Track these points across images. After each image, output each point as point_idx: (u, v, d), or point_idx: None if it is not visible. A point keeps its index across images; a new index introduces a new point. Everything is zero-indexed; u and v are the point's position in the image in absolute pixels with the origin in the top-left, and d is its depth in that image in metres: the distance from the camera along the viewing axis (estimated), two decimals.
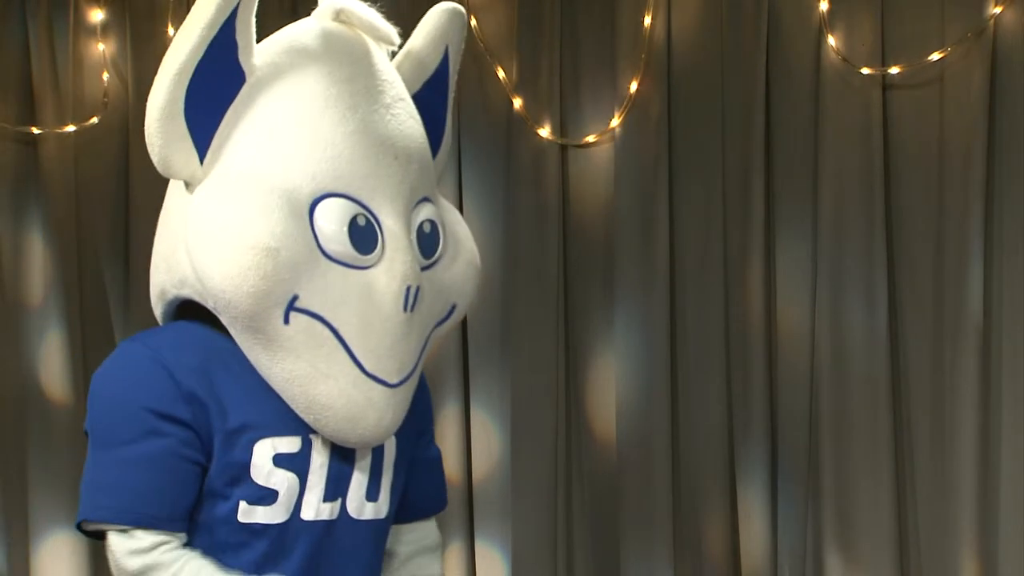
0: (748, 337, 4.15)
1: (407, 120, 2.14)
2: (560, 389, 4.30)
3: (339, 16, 2.15)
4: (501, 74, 4.27)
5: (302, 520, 2.13)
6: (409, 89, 2.21)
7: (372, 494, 2.19)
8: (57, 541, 4.43)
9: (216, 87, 2.05)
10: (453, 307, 2.21)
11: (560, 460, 4.29)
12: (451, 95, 2.31)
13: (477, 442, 4.33)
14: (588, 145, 4.27)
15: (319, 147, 2.06)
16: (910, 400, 4.08)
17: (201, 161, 2.06)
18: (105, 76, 4.41)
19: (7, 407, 4.47)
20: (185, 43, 2.02)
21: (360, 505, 2.18)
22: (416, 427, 2.27)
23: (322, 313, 2.05)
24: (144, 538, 2.09)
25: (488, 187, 4.32)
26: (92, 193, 4.46)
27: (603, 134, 4.25)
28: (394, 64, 2.21)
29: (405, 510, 2.32)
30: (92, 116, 4.41)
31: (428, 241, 2.14)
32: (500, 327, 4.31)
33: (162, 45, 4.36)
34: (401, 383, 2.11)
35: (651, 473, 4.22)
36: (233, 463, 2.09)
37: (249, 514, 2.11)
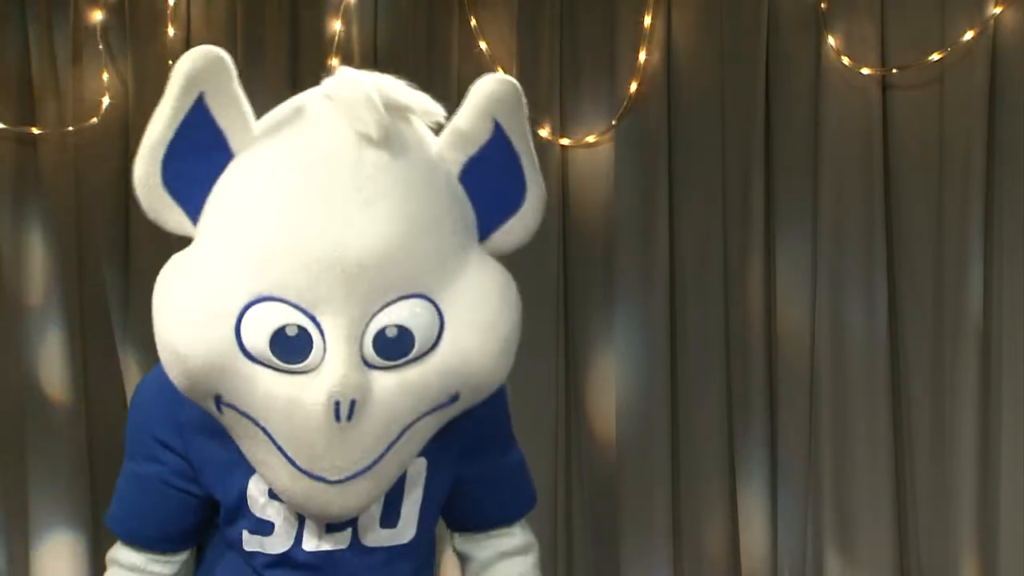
0: (748, 337, 4.15)
1: (380, 222, 1.97)
2: (560, 389, 4.30)
3: (330, 97, 2.02)
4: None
5: (304, 551, 2.14)
6: (455, 162, 2.08)
7: (389, 520, 2.17)
8: (57, 541, 4.43)
9: (199, 162, 2.00)
10: (456, 395, 2.08)
11: (560, 460, 4.30)
12: (525, 164, 2.13)
13: None
14: (588, 145, 4.27)
15: (263, 247, 1.96)
16: (910, 400, 4.08)
17: (194, 224, 2.04)
18: (105, 76, 4.41)
19: (7, 407, 4.47)
20: (156, 122, 1.99)
21: (374, 533, 2.17)
22: (462, 444, 2.20)
23: (248, 412, 2.00)
24: (128, 555, 2.20)
25: None
26: (92, 193, 4.46)
27: (603, 134, 4.25)
28: (442, 136, 2.08)
29: (476, 521, 2.31)
30: (92, 116, 4.41)
31: (392, 344, 2.00)
32: None
33: (162, 45, 4.37)
34: (350, 478, 2.03)
35: (651, 473, 4.22)
36: (231, 493, 2.12)
37: (252, 543, 2.15)
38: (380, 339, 1.98)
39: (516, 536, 2.38)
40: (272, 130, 2.02)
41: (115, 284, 4.47)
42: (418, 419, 2.05)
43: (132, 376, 4.40)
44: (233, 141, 2.01)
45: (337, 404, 1.95)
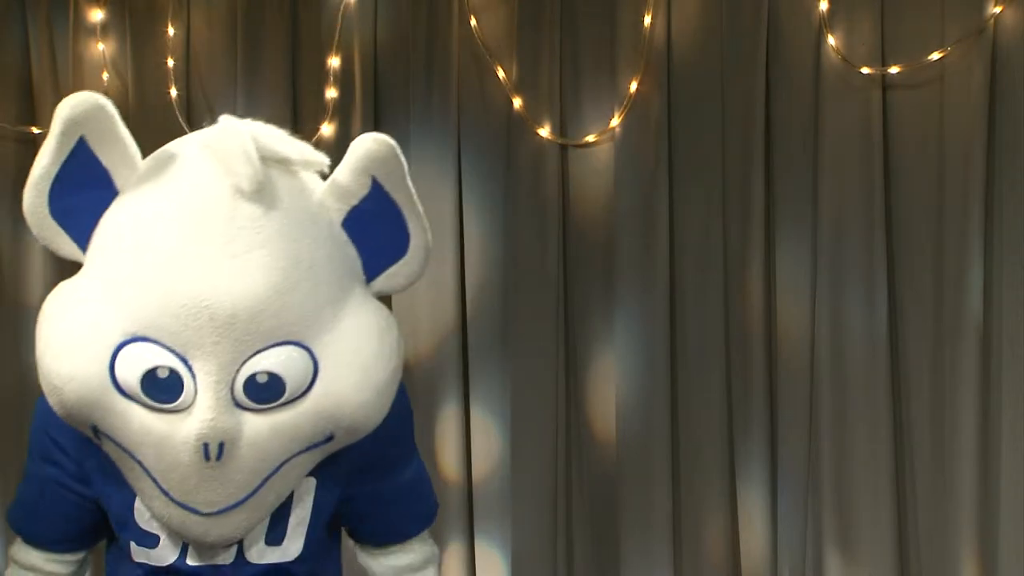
0: (748, 337, 4.15)
1: (251, 274, 2.01)
2: (560, 389, 4.30)
3: (208, 147, 2.06)
4: (501, 74, 4.27)
5: (188, 565, 2.19)
6: (337, 210, 2.12)
7: (274, 537, 2.21)
8: None
9: (85, 196, 2.08)
10: (331, 435, 2.12)
11: (560, 460, 4.29)
12: (408, 216, 2.15)
13: (477, 442, 4.33)
14: (588, 145, 4.27)
15: (138, 291, 2.02)
16: (910, 400, 4.08)
17: (83, 251, 2.12)
18: (105, 76, 4.41)
19: (7, 407, 4.47)
20: (40, 158, 2.09)
21: (259, 550, 2.21)
22: (351, 464, 2.23)
23: (123, 445, 2.06)
24: (27, 554, 2.30)
25: (488, 187, 4.32)
26: None
27: (603, 134, 4.25)
28: (324, 185, 2.12)
29: (370, 536, 2.34)
30: None
31: (262, 389, 2.04)
32: (500, 327, 4.31)
33: (162, 45, 4.36)
34: (224, 511, 2.08)
35: (651, 473, 4.22)
36: (118, 504, 2.18)
37: (140, 554, 2.21)
38: (251, 384, 2.03)
39: (412, 552, 2.40)
40: (154, 173, 2.07)
41: None
42: (292, 456, 2.10)
43: None
44: (117, 179, 2.09)
45: (206, 445, 2.01)
